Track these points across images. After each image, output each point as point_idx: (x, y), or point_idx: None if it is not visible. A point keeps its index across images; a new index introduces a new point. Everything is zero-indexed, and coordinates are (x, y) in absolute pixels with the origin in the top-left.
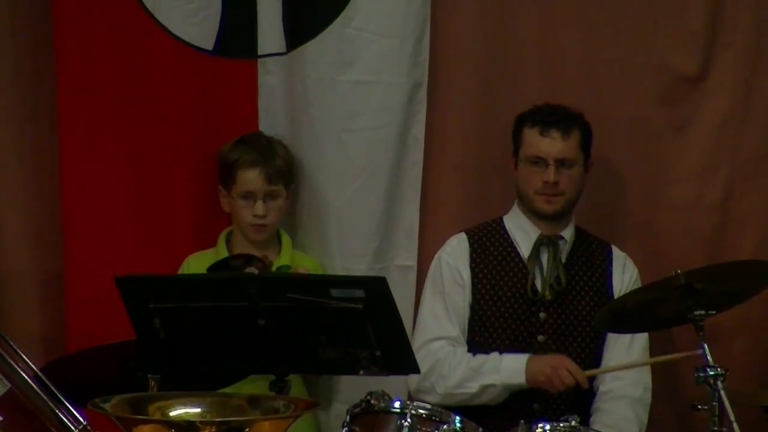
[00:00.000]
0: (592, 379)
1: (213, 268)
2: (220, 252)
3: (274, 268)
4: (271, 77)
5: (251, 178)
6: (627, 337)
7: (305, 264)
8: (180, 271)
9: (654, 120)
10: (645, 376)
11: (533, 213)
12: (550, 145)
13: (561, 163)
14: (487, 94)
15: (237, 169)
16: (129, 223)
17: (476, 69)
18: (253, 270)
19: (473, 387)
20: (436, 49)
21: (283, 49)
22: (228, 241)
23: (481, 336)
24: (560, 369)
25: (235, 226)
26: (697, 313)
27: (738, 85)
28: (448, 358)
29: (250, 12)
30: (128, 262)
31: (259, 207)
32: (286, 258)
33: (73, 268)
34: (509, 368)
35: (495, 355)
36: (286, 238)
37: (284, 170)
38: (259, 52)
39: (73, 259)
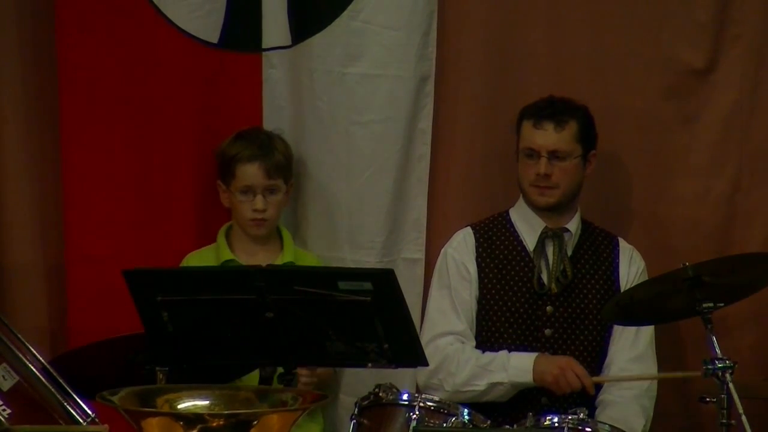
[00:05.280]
0: (597, 386)
1: None
2: (220, 247)
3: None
4: (274, 71)
5: (250, 172)
6: (632, 329)
7: (307, 260)
8: None
9: (662, 113)
10: (651, 369)
11: (531, 205)
12: (543, 137)
13: (554, 155)
14: (495, 87)
15: (236, 164)
16: (131, 217)
17: (483, 62)
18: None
19: (481, 385)
20: (444, 42)
21: (289, 42)
22: (227, 237)
23: (488, 330)
24: (567, 371)
25: (234, 221)
26: (705, 305)
27: (746, 78)
28: (456, 355)
29: (255, 5)
30: (130, 256)
31: (259, 201)
32: (289, 254)
33: (76, 262)
34: (517, 366)
35: (503, 353)
36: (286, 234)
37: (283, 165)
38: (264, 46)
39: (75, 253)
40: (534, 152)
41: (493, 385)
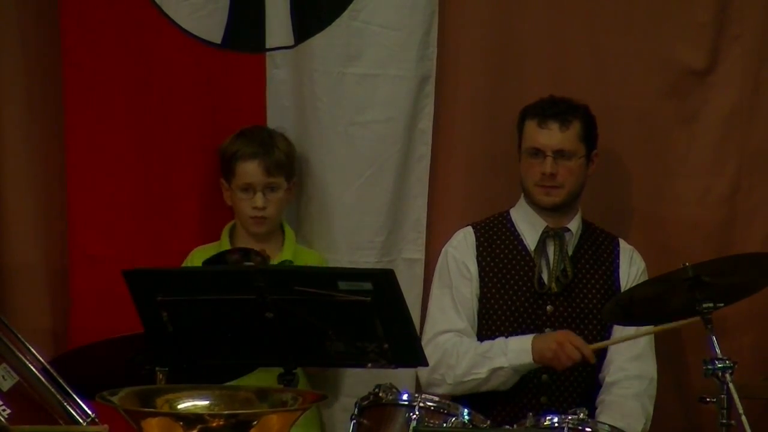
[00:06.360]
0: (598, 354)
1: (209, 262)
2: (224, 246)
3: (276, 262)
4: (278, 71)
5: (250, 170)
6: (632, 329)
7: (308, 259)
8: (184, 265)
9: (661, 113)
10: (650, 368)
11: (535, 205)
12: (548, 136)
13: (559, 154)
14: (495, 87)
15: (236, 162)
16: (135, 217)
17: (484, 62)
18: (251, 264)
19: (482, 372)
20: (444, 42)
21: (291, 42)
22: (231, 235)
23: (489, 329)
24: (565, 344)
25: (236, 219)
26: (705, 305)
27: (745, 78)
28: (455, 348)
29: (258, 5)
30: (133, 256)
31: (258, 199)
32: (289, 252)
33: (79, 262)
34: (516, 349)
35: (501, 339)
36: (289, 232)
37: (284, 163)
38: (267, 46)
39: (78, 252)
40: (539, 152)
41: (494, 371)
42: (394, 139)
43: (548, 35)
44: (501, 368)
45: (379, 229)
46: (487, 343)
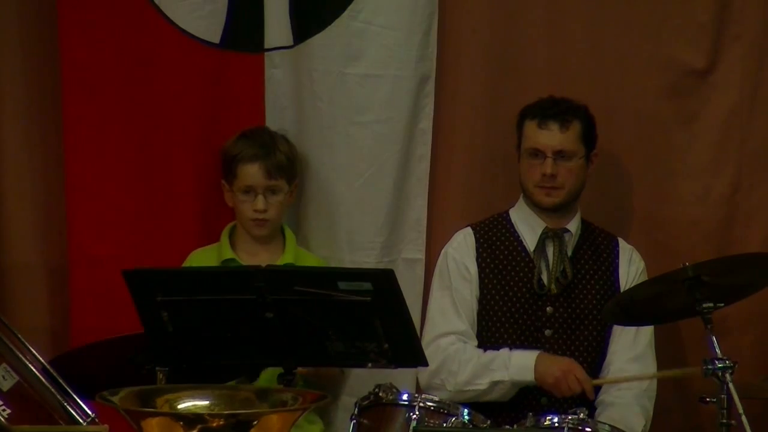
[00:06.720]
0: (596, 389)
1: None
2: (223, 247)
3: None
4: (277, 71)
5: (251, 172)
6: (632, 330)
7: (309, 262)
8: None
9: (661, 113)
10: (650, 368)
11: (535, 206)
12: (548, 137)
13: (560, 155)
14: (495, 87)
15: (237, 164)
16: (134, 217)
17: (484, 62)
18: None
19: (483, 383)
20: (444, 42)
21: (290, 43)
22: (231, 237)
23: (488, 331)
24: (569, 375)
25: (237, 220)
26: (705, 305)
27: (746, 78)
28: (457, 354)
29: (257, 5)
30: (133, 256)
31: (260, 202)
32: (290, 255)
33: (79, 262)
34: (518, 365)
35: (504, 351)
36: (290, 235)
37: (285, 165)
38: (266, 46)
39: (78, 252)
40: (539, 152)
41: (494, 384)
42: (394, 139)
43: (548, 35)
44: (501, 381)
45: (379, 229)
46: (490, 354)
